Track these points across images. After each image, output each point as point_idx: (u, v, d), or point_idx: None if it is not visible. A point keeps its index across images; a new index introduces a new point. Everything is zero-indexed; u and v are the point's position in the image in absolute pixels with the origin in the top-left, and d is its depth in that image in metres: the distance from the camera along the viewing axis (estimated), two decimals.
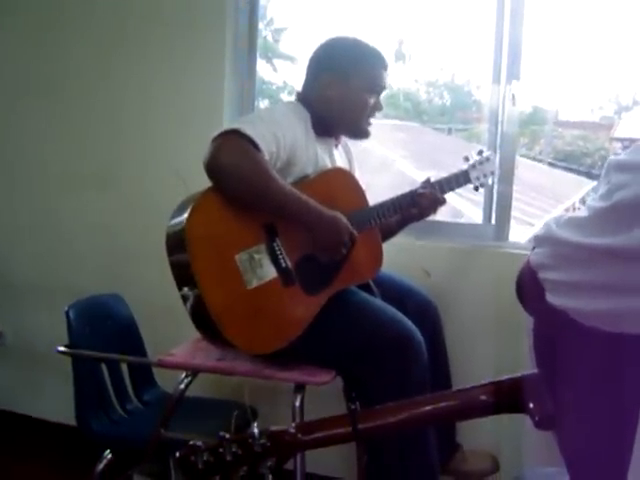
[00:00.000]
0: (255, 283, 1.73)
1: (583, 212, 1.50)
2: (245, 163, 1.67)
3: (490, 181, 2.22)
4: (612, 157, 1.54)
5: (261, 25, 2.75)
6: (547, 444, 1.42)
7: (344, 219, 1.82)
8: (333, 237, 1.80)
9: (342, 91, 1.95)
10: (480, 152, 2.18)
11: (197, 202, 1.70)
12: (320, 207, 1.78)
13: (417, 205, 2.05)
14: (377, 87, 2.00)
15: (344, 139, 2.14)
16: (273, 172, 1.71)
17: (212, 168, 1.67)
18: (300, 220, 1.78)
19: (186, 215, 1.68)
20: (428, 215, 2.09)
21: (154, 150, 2.68)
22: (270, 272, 1.76)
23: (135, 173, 2.72)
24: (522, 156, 3.55)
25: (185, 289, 1.69)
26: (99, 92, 2.74)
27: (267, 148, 1.71)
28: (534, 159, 4.62)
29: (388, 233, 2.13)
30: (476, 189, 2.19)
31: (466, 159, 2.16)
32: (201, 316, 1.69)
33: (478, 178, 2.15)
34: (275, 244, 1.78)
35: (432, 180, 2.11)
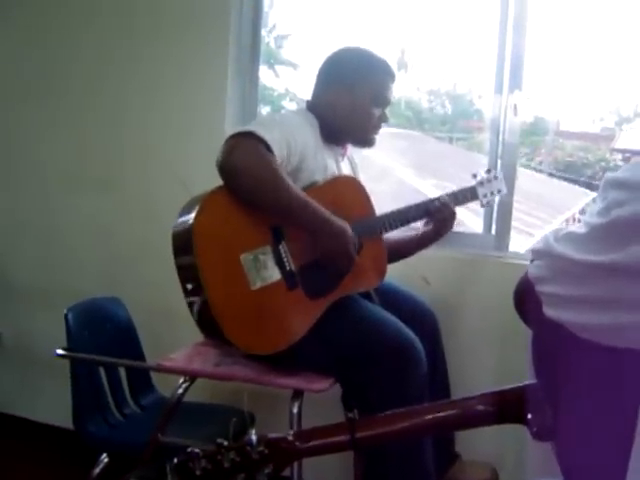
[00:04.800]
0: (259, 284, 1.73)
1: (581, 228, 1.51)
2: (258, 164, 1.68)
3: (497, 199, 2.24)
4: (609, 173, 1.55)
5: (263, 31, 2.76)
6: (550, 455, 1.42)
7: (350, 231, 1.81)
8: (337, 248, 1.80)
9: (348, 101, 1.98)
10: (488, 171, 2.20)
11: (205, 201, 1.71)
12: (329, 216, 1.78)
13: (427, 214, 2.07)
14: (382, 98, 2.02)
15: (350, 152, 2.15)
16: (285, 176, 1.73)
17: (225, 167, 1.69)
18: (307, 226, 1.79)
19: (194, 213, 1.69)
20: (444, 230, 2.10)
21: (155, 154, 2.69)
22: (274, 274, 1.77)
23: (136, 176, 2.72)
24: (522, 166, 3.55)
25: (189, 285, 1.70)
26: (101, 95, 2.75)
27: (279, 152, 1.73)
28: (534, 169, 4.62)
29: (405, 252, 2.15)
30: (482, 206, 2.22)
31: (474, 176, 2.17)
32: (203, 313, 1.70)
33: (485, 195, 2.17)
34: (281, 247, 1.79)
35: (440, 195, 2.12)
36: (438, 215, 2.08)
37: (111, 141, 2.76)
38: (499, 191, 2.21)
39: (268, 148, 1.69)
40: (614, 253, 1.36)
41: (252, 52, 2.66)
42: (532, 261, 1.59)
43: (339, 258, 1.82)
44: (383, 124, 2.06)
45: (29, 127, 2.88)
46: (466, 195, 2.16)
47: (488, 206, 2.26)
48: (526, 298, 1.54)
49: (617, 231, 1.39)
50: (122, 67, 2.71)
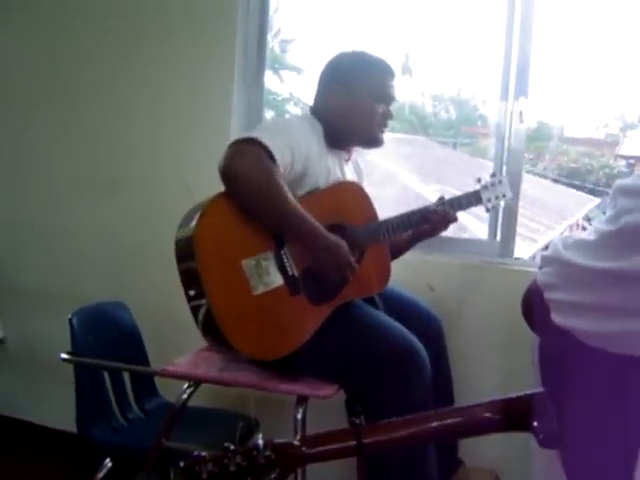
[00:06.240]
0: (261, 289, 1.73)
1: (590, 235, 1.51)
2: (259, 173, 1.68)
3: (502, 204, 2.22)
4: (619, 180, 1.55)
5: (268, 36, 2.76)
6: (555, 462, 1.42)
7: (345, 247, 1.81)
8: (330, 263, 1.80)
9: (349, 101, 1.97)
10: (493, 174, 2.18)
11: (207, 207, 1.72)
12: (323, 231, 1.77)
13: (428, 221, 2.05)
14: (383, 95, 2.01)
15: (354, 156, 2.15)
16: (285, 186, 1.72)
17: (226, 172, 1.69)
18: (301, 239, 1.78)
19: (195, 220, 1.69)
20: (439, 232, 2.09)
21: (161, 157, 2.69)
22: (277, 279, 1.76)
23: (142, 180, 2.73)
24: (526, 172, 3.56)
25: (192, 292, 1.70)
26: (108, 98, 2.75)
27: (282, 160, 1.73)
28: (538, 175, 4.63)
29: (398, 250, 2.14)
30: (487, 211, 2.19)
31: (478, 180, 2.16)
32: (206, 319, 1.70)
33: (490, 200, 2.14)
34: (283, 252, 1.78)
35: (444, 198, 2.11)
36: (440, 221, 2.07)
37: (118, 144, 2.76)
38: (504, 195, 2.19)
39: (271, 155, 1.69)
40: (622, 260, 1.36)
41: (258, 57, 2.66)
42: (541, 268, 1.59)
43: (333, 273, 1.82)
44: (388, 122, 2.04)
45: (36, 129, 2.88)
46: (470, 200, 2.14)
47: (492, 211, 2.25)
48: (534, 305, 1.54)
49: (625, 238, 1.39)
50: (129, 71, 2.72)
